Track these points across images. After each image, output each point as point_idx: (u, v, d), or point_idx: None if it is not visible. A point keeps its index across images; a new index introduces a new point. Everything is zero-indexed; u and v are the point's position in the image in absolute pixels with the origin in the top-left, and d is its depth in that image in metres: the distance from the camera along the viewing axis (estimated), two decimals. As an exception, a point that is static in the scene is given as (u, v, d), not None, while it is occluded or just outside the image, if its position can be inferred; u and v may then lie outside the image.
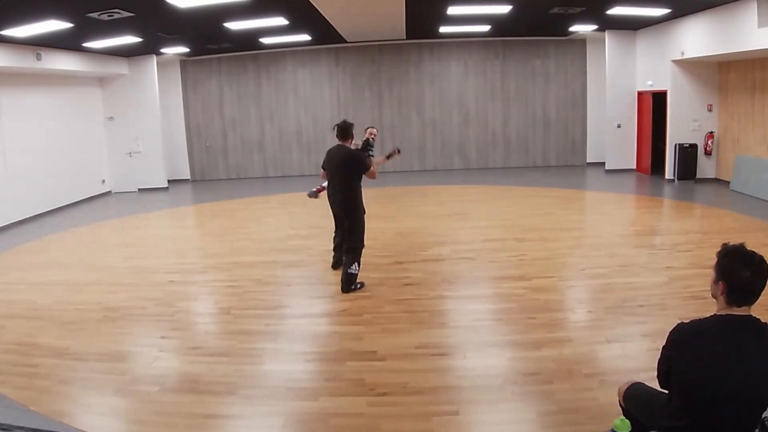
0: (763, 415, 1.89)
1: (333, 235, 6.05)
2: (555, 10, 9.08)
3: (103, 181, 12.34)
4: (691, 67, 10.24)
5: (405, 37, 12.50)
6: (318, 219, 8.85)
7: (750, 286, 1.87)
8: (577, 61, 13.04)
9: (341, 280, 5.34)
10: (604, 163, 12.47)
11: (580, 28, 11.47)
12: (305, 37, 11.52)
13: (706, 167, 10.64)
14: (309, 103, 13.45)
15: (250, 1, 7.22)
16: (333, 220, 5.86)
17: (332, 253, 6.11)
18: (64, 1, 6.53)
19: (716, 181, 10.55)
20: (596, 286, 5.22)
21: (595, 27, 11.35)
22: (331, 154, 5.41)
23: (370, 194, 11.00)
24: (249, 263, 6.44)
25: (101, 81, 12.22)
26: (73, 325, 4.77)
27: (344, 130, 5.33)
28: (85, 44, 9.59)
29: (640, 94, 11.79)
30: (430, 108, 13.34)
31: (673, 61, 10.20)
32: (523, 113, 13.27)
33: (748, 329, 1.88)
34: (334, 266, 5.97)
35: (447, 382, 3.52)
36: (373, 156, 6.04)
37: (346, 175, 5.31)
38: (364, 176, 5.42)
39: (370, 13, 9.08)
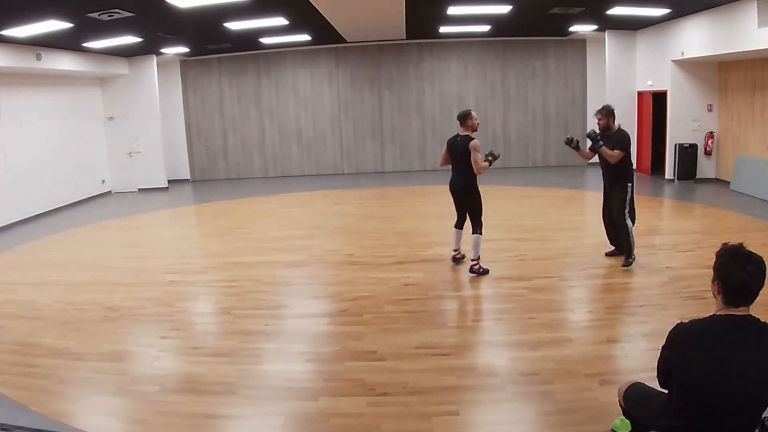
0: (763, 415, 1.89)
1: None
2: (555, 10, 9.07)
3: (103, 181, 12.34)
4: (691, 67, 10.23)
5: (405, 37, 12.49)
6: (318, 219, 8.86)
7: (745, 286, 1.85)
8: (577, 61, 13.03)
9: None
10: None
11: (580, 28, 11.46)
12: (305, 37, 11.52)
13: (706, 167, 10.63)
14: (309, 103, 13.45)
15: (250, 1, 7.21)
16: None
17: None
18: (64, 1, 6.53)
19: (716, 181, 10.55)
20: (596, 286, 5.22)
21: (595, 27, 11.34)
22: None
23: (370, 194, 11.06)
24: (249, 263, 6.44)
25: (101, 81, 12.22)
26: (73, 325, 4.77)
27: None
28: (85, 44, 9.58)
29: (640, 94, 11.78)
30: (430, 108, 13.34)
31: (673, 61, 10.19)
32: (523, 113, 13.27)
33: (747, 329, 1.88)
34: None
35: (447, 382, 3.52)
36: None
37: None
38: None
39: (370, 13, 9.07)
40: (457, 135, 5.61)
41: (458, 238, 5.93)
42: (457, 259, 6.00)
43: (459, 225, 5.91)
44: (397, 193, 10.79)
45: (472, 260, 5.60)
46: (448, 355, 3.90)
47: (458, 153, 5.56)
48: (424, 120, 13.36)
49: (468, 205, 5.68)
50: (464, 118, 5.60)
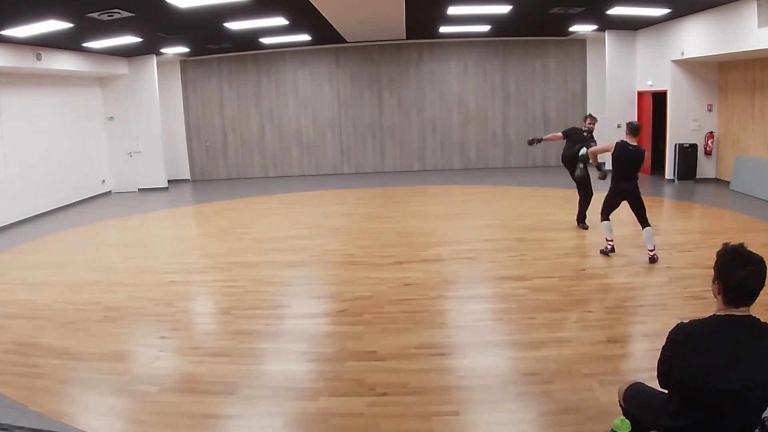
0: (763, 415, 1.89)
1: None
2: (555, 10, 9.08)
3: (103, 181, 12.34)
4: (691, 67, 10.24)
5: (405, 37, 12.49)
6: (318, 219, 8.86)
7: (745, 286, 1.85)
8: (577, 61, 13.03)
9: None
10: (604, 163, 12.44)
11: (580, 28, 11.47)
12: (305, 37, 11.52)
13: (706, 167, 10.63)
14: (309, 103, 13.45)
15: (250, 1, 7.22)
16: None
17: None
18: (64, 1, 6.53)
19: (716, 181, 10.55)
20: (596, 286, 5.22)
21: (595, 27, 11.34)
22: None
23: (370, 194, 11.06)
24: (249, 263, 6.44)
25: (101, 81, 12.22)
26: (73, 325, 4.77)
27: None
28: (85, 44, 9.58)
29: (640, 94, 11.78)
30: (430, 108, 13.34)
31: (673, 61, 10.19)
32: (523, 113, 13.27)
33: (747, 329, 1.87)
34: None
35: (447, 382, 3.52)
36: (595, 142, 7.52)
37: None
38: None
39: (370, 13, 9.08)
40: (628, 144, 5.86)
41: (648, 236, 5.98)
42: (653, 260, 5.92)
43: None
44: (397, 193, 10.79)
45: (650, 250, 5.86)
46: (448, 355, 3.90)
47: (634, 162, 5.93)
48: (424, 120, 13.36)
49: (637, 205, 6.02)
50: (638, 130, 5.97)
